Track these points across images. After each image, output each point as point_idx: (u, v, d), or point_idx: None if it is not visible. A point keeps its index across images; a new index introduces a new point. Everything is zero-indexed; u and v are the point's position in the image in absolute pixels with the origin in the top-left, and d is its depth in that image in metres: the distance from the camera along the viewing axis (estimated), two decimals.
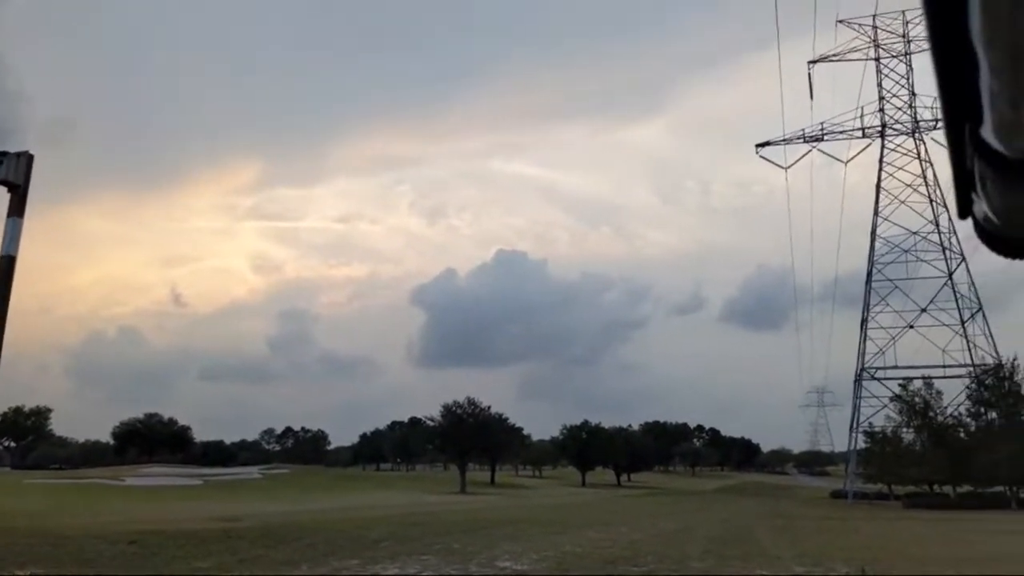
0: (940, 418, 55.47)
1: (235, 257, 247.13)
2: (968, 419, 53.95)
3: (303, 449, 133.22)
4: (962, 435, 52.85)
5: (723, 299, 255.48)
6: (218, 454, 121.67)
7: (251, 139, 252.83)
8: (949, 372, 58.41)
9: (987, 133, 0.68)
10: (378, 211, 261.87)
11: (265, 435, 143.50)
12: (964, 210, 0.84)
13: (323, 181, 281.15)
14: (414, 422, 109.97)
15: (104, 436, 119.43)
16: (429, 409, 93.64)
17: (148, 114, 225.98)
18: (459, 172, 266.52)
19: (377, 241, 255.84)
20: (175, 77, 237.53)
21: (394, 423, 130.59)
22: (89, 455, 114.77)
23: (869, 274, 64.71)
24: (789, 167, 67.10)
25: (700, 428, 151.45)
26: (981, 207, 0.79)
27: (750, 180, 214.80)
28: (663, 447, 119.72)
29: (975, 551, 18.39)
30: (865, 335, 63.41)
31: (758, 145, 67.69)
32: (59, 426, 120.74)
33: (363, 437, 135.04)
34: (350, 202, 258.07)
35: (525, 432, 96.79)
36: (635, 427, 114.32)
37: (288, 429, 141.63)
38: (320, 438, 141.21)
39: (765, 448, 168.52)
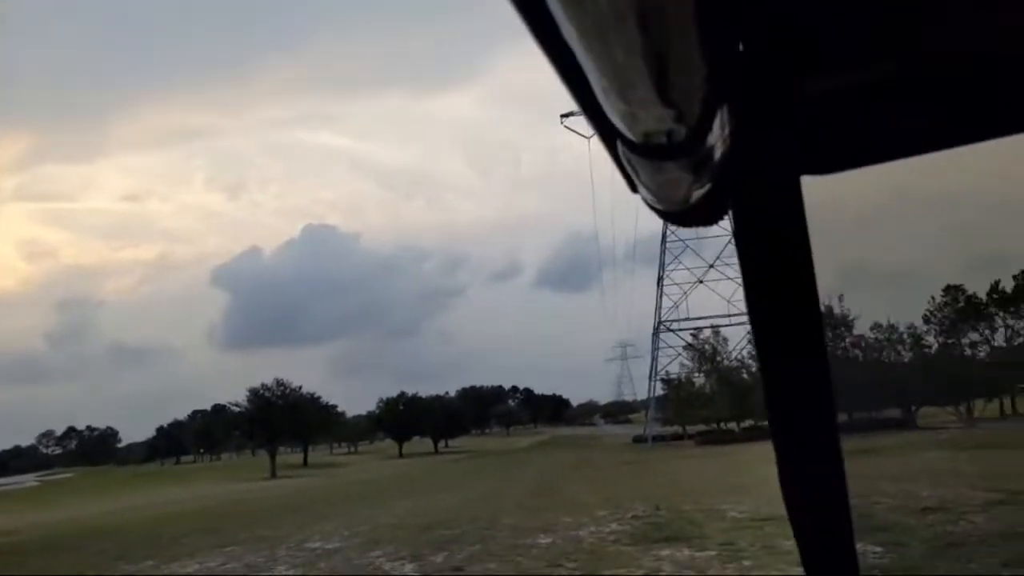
0: (726, 362, 61.06)
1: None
2: (750, 361, 59.47)
3: (90, 450, 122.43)
4: (745, 376, 58.24)
5: (536, 265, 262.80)
6: None
7: (14, 108, 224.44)
8: (734, 320, 64.29)
9: (615, 120, 0.63)
10: (170, 188, 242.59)
11: (43, 438, 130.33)
12: (634, 186, 0.82)
13: (104, 156, 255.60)
14: (218, 409, 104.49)
15: None
16: (237, 395, 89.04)
17: None
18: (261, 144, 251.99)
19: (169, 220, 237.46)
20: None
21: (195, 412, 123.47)
22: None
23: (664, 235, 69.59)
24: (591, 136, 69.84)
25: (515, 389, 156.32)
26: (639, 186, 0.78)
27: (558, 149, 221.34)
28: (479, 410, 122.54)
29: (750, 477, 20.32)
30: (661, 291, 68.80)
31: (562, 116, 70.01)
32: None
33: (160, 430, 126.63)
34: (137, 179, 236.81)
35: (340, 409, 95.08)
36: (452, 394, 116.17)
37: (71, 429, 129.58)
38: (109, 436, 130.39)
39: (575, 403, 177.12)
